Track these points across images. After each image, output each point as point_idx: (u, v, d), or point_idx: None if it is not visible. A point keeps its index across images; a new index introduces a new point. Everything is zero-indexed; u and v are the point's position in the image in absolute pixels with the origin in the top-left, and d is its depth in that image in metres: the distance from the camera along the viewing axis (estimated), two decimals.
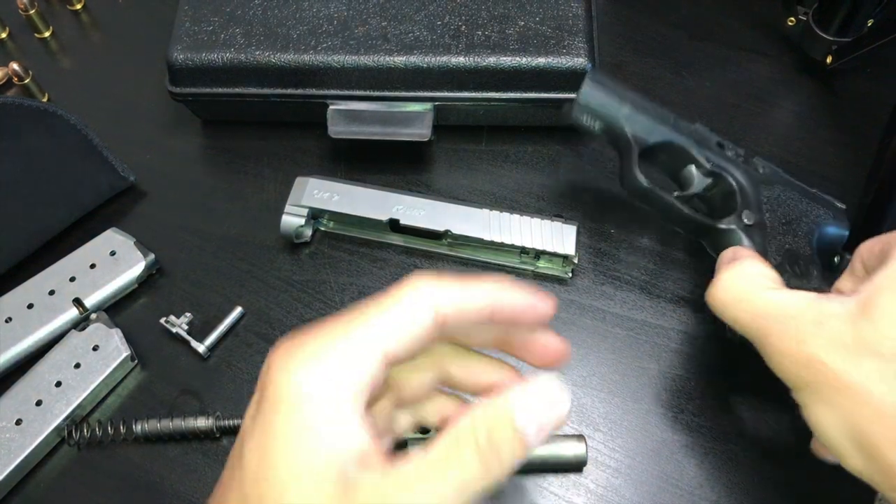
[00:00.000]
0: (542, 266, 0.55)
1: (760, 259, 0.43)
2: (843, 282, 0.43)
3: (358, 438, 0.29)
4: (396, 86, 0.57)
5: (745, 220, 0.48)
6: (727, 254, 0.45)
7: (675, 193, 0.50)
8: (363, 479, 0.29)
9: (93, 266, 0.54)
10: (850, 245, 0.54)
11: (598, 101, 0.50)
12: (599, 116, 0.50)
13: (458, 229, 0.54)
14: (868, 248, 0.41)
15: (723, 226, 0.48)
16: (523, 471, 0.48)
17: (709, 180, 0.50)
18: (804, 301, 0.37)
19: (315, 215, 0.56)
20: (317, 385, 0.29)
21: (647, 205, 0.50)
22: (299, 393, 0.29)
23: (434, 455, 0.30)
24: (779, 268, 0.45)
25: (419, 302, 0.32)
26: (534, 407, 0.31)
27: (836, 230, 0.50)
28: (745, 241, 0.47)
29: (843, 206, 0.52)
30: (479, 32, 0.56)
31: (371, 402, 0.32)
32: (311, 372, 0.30)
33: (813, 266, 0.48)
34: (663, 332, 0.53)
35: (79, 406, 0.49)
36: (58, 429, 0.49)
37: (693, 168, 0.50)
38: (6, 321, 0.52)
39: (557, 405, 0.31)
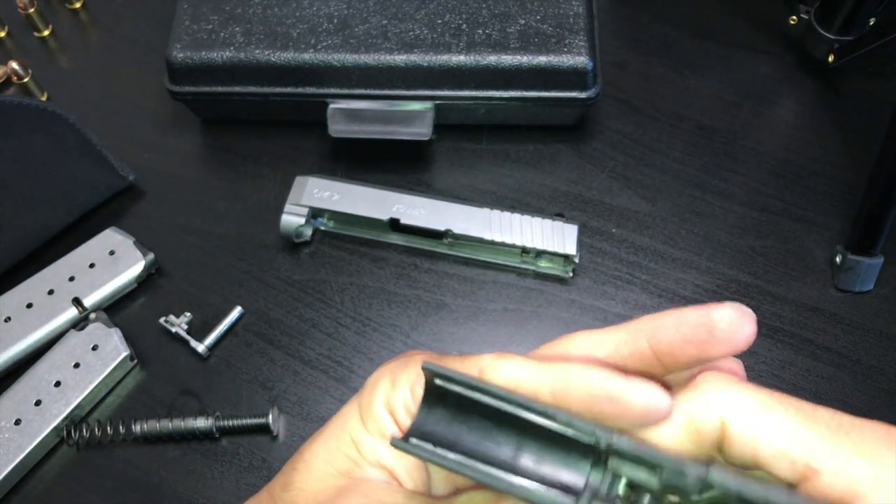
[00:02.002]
0: (544, 266, 0.55)
1: None
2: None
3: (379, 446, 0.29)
4: (397, 84, 0.57)
5: None
6: None
7: None
8: (356, 486, 0.28)
9: (92, 265, 0.54)
10: (852, 243, 0.53)
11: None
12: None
13: (458, 229, 0.54)
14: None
15: None
16: None
17: None
18: None
19: (315, 214, 0.56)
20: (369, 386, 0.30)
21: None
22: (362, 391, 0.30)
23: None
24: None
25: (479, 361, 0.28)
26: None
27: None
28: None
29: None
30: (480, 31, 0.56)
31: None
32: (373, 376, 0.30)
33: None
34: None
35: (78, 406, 0.49)
36: (57, 429, 0.49)
37: None
38: (5, 321, 0.52)
39: None
